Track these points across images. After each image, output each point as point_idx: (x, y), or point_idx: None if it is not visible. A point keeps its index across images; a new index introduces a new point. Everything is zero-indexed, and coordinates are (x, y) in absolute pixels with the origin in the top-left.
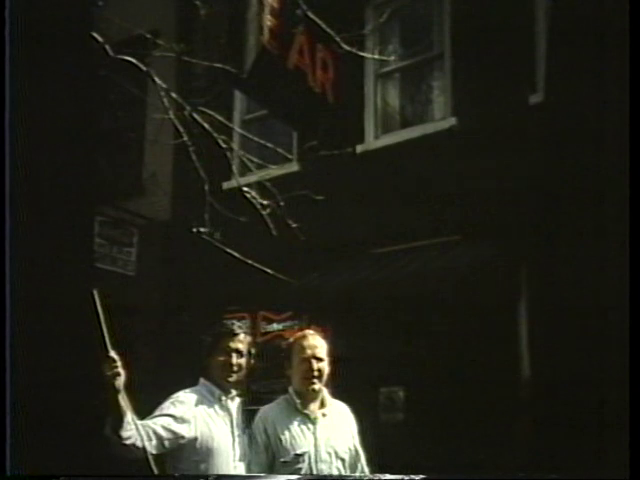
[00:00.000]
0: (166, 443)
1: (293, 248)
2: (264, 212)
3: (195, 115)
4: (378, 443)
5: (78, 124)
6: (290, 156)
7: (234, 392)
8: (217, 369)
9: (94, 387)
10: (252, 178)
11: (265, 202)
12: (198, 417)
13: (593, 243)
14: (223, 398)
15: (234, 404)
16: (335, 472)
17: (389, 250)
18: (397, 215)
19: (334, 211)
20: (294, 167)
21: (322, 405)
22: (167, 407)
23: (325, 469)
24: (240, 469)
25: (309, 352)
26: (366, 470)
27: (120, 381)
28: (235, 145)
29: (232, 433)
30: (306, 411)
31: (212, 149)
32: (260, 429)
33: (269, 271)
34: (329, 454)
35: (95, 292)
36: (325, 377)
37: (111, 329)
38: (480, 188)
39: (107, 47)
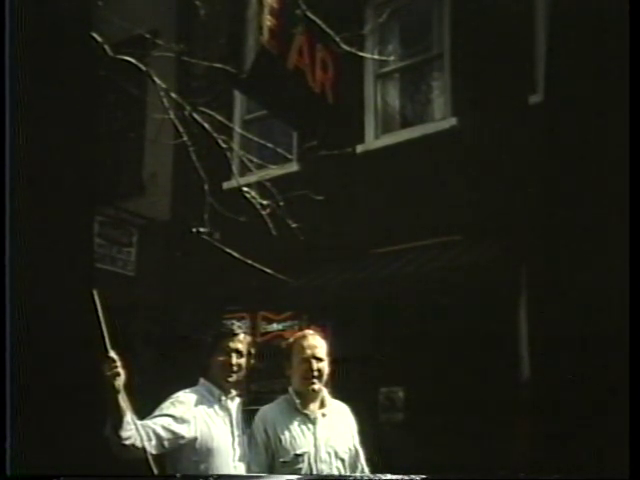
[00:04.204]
0: (166, 443)
1: (293, 248)
2: (264, 212)
3: (195, 115)
4: (378, 443)
5: (78, 124)
6: (290, 156)
7: (234, 392)
8: (217, 369)
9: (94, 387)
10: (252, 178)
11: (265, 202)
12: (198, 417)
13: (593, 243)
14: (223, 398)
15: (234, 404)
16: (335, 472)
17: (389, 250)
18: (397, 215)
19: (334, 211)
20: (294, 167)
21: (322, 405)
22: (167, 407)
23: (325, 469)
24: (240, 469)
25: (309, 352)
26: (366, 470)
27: (120, 381)
28: (235, 145)
29: (232, 433)
30: (306, 411)
31: (212, 149)
32: (260, 429)
33: (269, 271)
34: (329, 454)
35: (95, 292)
36: (325, 377)
37: (111, 329)
38: (480, 188)
39: (106, 47)
